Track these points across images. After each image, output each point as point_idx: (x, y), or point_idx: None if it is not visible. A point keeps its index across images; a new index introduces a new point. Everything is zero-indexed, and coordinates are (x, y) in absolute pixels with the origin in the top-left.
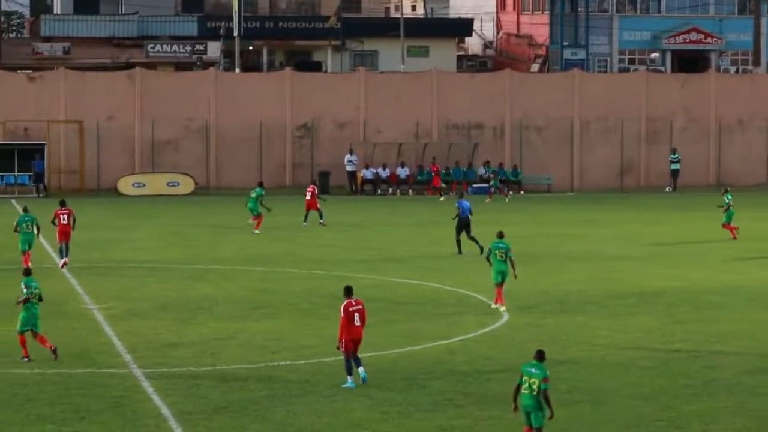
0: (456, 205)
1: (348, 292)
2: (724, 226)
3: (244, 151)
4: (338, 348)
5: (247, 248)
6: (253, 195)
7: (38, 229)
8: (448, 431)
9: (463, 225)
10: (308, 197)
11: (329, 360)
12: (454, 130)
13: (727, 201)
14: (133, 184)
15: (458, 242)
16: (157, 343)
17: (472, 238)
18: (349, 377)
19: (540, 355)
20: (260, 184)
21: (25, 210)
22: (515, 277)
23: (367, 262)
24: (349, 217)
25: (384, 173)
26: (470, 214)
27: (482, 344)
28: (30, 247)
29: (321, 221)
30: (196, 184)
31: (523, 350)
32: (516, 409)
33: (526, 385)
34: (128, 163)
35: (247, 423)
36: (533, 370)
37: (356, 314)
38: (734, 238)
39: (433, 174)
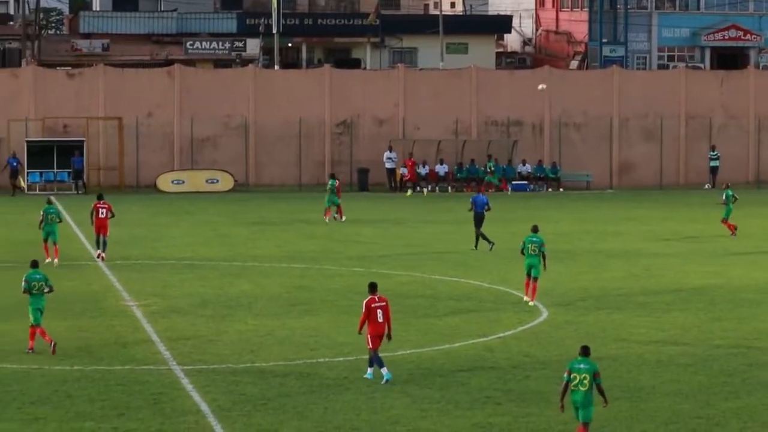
0: (470, 199)
1: (372, 288)
2: (722, 221)
3: (283, 148)
4: (359, 333)
5: (286, 245)
6: (329, 187)
7: (60, 220)
8: (486, 429)
9: (478, 219)
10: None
11: (367, 358)
12: (493, 127)
13: (725, 197)
14: (172, 181)
15: (483, 236)
16: (196, 339)
17: (479, 233)
18: (383, 369)
19: (585, 351)
20: (332, 176)
21: (49, 202)
22: (544, 267)
23: (406, 259)
24: (388, 214)
25: (423, 170)
26: (487, 209)
27: (521, 341)
28: (52, 238)
29: (335, 216)
30: (235, 181)
31: (562, 347)
32: (563, 408)
33: (576, 381)
34: (167, 160)
35: (286, 419)
36: (582, 366)
37: (379, 311)
38: (733, 234)
39: (407, 169)
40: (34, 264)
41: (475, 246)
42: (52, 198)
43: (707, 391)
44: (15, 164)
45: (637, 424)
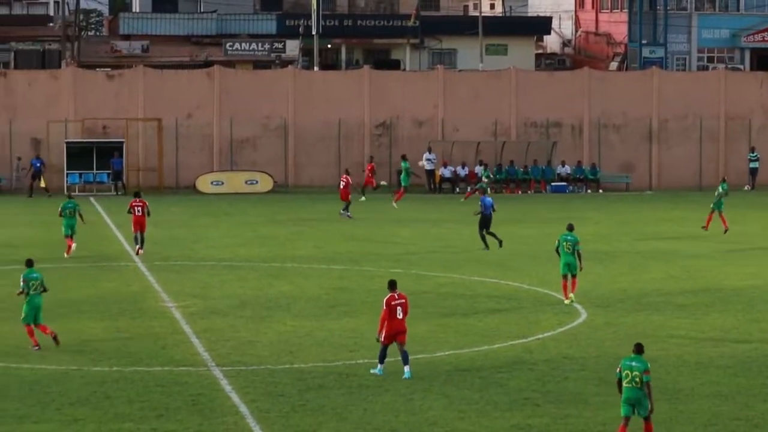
0: (480, 201)
1: (392, 285)
2: (719, 214)
3: (323, 149)
4: (378, 340)
5: (325, 246)
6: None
7: (81, 216)
8: (525, 430)
9: (485, 221)
10: (342, 187)
11: (400, 357)
12: (533, 128)
13: (721, 190)
14: (211, 183)
15: (482, 237)
16: (235, 341)
17: (491, 233)
18: (380, 364)
19: (639, 349)
20: (404, 157)
21: (69, 197)
22: (581, 268)
23: (446, 260)
24: (427, 216)
25: (462, 172)
26: (493, 210)
27: (560, 343)
28: (73, 232)
29: (347, 213)
30: (274, 182)
31: (601, 349)
32: None
33: (628, 378)
34: (207, 161)
35: (325, 421)
36: (633, 363)
37: (399, 307)
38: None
39: (367, 173)
40: (30, 263)
41: (500, 244)
42: (73, 194)
43: (747, 392)
44: (38, 165)
45: (677, 426)
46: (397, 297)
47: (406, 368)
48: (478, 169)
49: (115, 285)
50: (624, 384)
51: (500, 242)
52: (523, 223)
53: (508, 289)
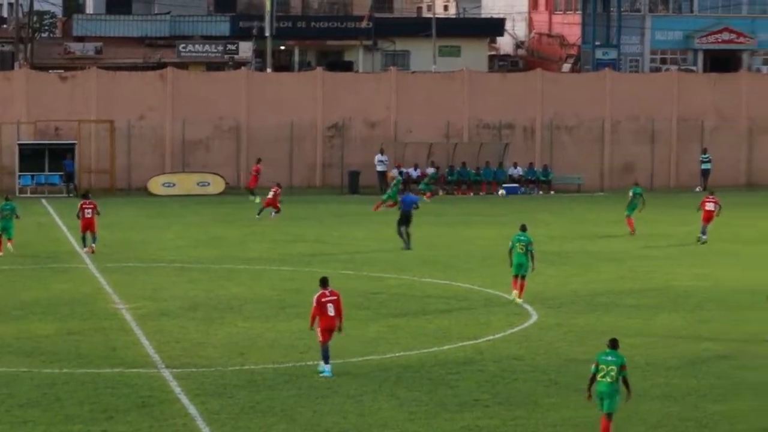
0: (400, 199)
1: (323, 283)
2: (628, 219)
3: (275, 150)
4: (311, 329)
5: (277, 248)
6: (396, 182)
7: (18, 216)
8: (475, 431)
9: (405, 218)
10: (270, 196)
11: (356, 360)
12: (485, 130)
13: (633, 194)
14: (163, 184)
15: (400, 234)
16: (185, 342)
17: (407, 233)
18: (325, 365)
19: (614, 344)
20: (399, 172)
21: (7, 199)
22: (533, 269)
23: (397, 261)
24: (378, 217)
25: (414, 173)
26: (415, 208)
27: (511, 344)
28: (6, 234)
29: (259, 217)
30: (226, 184)
31: (551, 350)
32: (590, 397)
33: (603, 373)
34: (159, 162)
35: (274, 423)
36: (610, 358)
37: (330, 305)
38: (633, 233)
39: (253, 174)
40: None
41: (406, 246)
42: (10, 196)
43: (696, 393)
44: None
45: (627, 427)
46: (328, 294)
47: (327, 367)
48: (431, 169)
49: (66, 287)
50: (598, 378)
51: (407, 245)
52: (474, 225)
53: (459, 291)
